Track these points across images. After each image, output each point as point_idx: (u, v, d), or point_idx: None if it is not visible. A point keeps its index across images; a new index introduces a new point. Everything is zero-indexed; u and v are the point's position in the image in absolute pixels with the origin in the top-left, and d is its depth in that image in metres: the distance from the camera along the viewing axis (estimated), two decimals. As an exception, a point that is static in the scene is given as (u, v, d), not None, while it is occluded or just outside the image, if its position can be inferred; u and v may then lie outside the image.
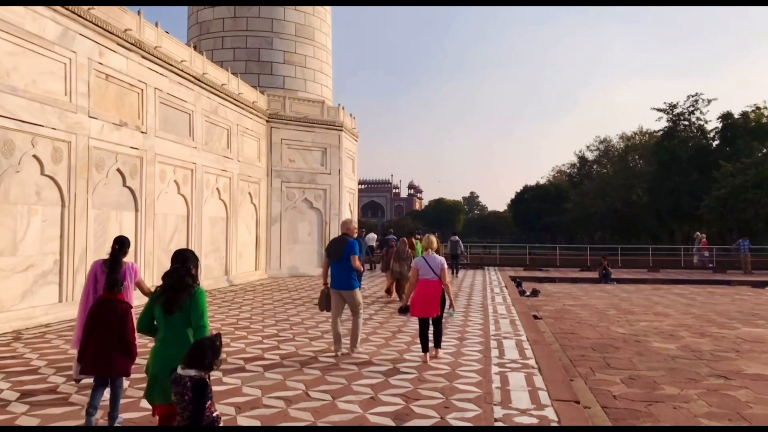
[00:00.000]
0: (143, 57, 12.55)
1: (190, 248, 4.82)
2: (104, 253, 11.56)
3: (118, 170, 11.90)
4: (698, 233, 29.73)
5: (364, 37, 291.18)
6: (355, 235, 8.28)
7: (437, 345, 7.79)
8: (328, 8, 23.06)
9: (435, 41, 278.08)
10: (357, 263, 7.82)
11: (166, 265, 12.28)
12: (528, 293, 17.80)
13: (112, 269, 5.52)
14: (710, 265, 27.86)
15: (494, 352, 8.16)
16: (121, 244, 5.80)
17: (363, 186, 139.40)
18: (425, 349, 7.50)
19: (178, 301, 3.88)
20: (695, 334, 10.95)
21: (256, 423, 5.10)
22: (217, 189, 16.27)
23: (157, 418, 3.98)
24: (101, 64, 11.22)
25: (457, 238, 23.15)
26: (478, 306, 13.14)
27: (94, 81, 11.08)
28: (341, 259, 7.76)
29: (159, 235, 13.39)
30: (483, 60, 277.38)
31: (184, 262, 4.02)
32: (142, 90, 12.62)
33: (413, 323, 10.56)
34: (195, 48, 19.68)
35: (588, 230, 63.47)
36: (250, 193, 18.49)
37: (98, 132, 11.15)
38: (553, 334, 10.93)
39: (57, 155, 10.14)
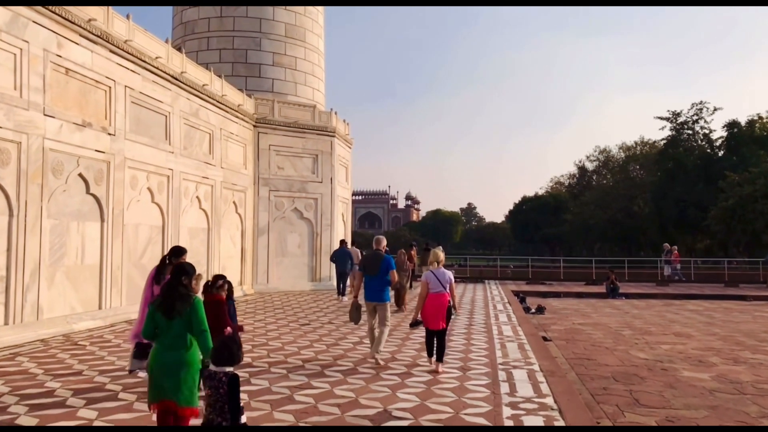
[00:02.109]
0: (111, 51, 11.36)
1: (188, 262, 5.08)
2: (62, 267, 10.38)
3: (81, 175, 10.67)
4: (667, 244, 28.56)
5: (363, 50, 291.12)
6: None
7: (439, 359, 7.75)
8: (321, 8, 21.95)
9: (434, 56, 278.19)
10: (395, 277, 8.39)
11: (137, 281, 10.86)
12: (533, 310, 16.56)
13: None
14: (679, 279, 26.60)
15: (504, 387, 6.92)
16: (176, 254, 6.52)
17: (360, 197, 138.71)
18: (432, 354, 7.80)
19: (176, 307, 4.27)
20: (728, 360, 9.72)
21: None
22: (198, 197, 15.03)
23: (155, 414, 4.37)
24: (60, 56, 10.03)
25: (440, 248, 22.40)
26: (481, 326, 11.90)
27: (52, 75, 9.88)
28: (378, 274, 8.15)
29: (129, 248, 12.13)
30: (481, 73, 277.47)
31: (178, 274, 4.44)
32: (109, 87, 11.42)
33: (410, 339, 9.41)
34: (178, 49, 18.54)
35: (587, 242, 62.25)
36: (234, 203, 17.26)
37: (56, 132, 9.93)
38: (566, 360, 9.69)
39: (3, 157, 8.91)
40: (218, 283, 6.60)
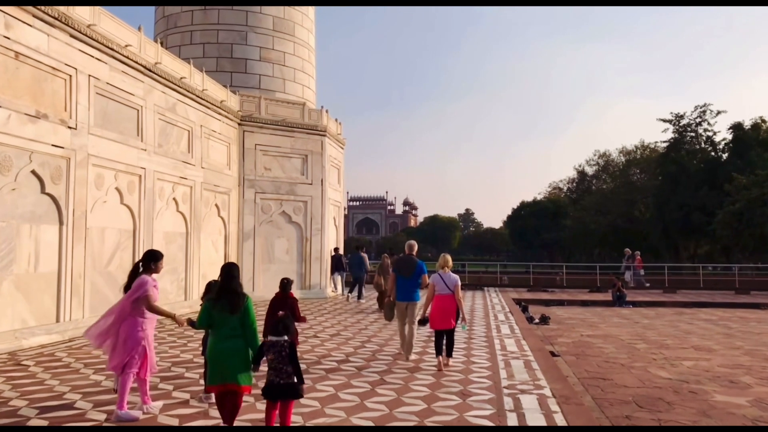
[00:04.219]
0: (72, 36, 10.24)
1: (234, 262, 5.89)
2: (10, 275, 9.23)
3: (34, 173, 9.53)
4: (628, 249, 27.20)
5: (361, 58, 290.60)
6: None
7: (449, 354, 8.38)
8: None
9: (434, 64, 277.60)
10: (426, 280, 8.94)
11: (102, 290, 9.69)
12: (537, 320, 15.46)
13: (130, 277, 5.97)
14: (641, 286, 25.44)
15: (511, 419, 5.80)
16: (154, 260, 6.00)
17: (357, 203, 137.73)
18: (440, 353, 8.22)
19: (238, 304, 4.96)
20: (762, 379, 8.60)
21: None
22: (175, 199, 13.88)
23: (213, 396, 5.35)
24: (8, 38, 8.90)
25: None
26: (482, 339, 10.76)
27: (-2, 59, 8.78)
28: (411, 276, 8.92)
29: (94, 254, 10.99)
30: (480, 80, 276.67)
31: (236, 275, 5.14)
32: (70, 76, 10.30)
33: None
34: (160, 43, 17.47)
35: (587, 247, 61.01)
36: (217, 205, 16.12)
37: (2, 123, 8.79)
38: (579, 380, 8.57)
39: (-65, 150, 7.79)
40: (289, 282, 7.85)
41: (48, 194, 9.84)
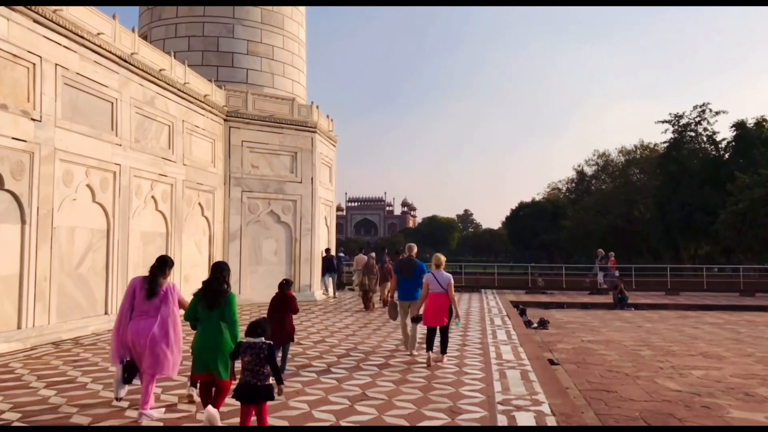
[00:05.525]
0: (35, 21, 9.55)
1: (224, 261, 6.46)
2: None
3: (-8, 168, 8.85)
4: (601, 250, 26.15)
5: (358, 59, 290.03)
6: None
7: (443, 351, 8.66)
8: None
9: (432, 65, 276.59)
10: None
11: (71, 293, 8.92)
12: (535, 324, 14.75)
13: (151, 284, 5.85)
14: (604, 286, 24.26)
15: (505, 443, 5.09)
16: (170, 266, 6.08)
17: (356, 204, 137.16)
18: (430, 348, 8.49)
19: (218, 302, 5.36)
20: (779, 391, 7.90)
21: None
22: (153, 198, 13.17)
23: (198, 384, 5.62)
24: (-40, 21, 8.23)
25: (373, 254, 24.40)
26: (477, 346, 10.05)
27: (-51, 43, 8.08)
28: (412, 277, 9.25)
29: (63, 255, 10.28)
30: (479, 81, 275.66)
31: (221, 272, 5.52)
32: (34, 64, 9.60)
33: (389, 366, 7.60)
34: (145, 37, 16.83)
35: (587, 248, 60.32)
36: (200, 204, 15.40)
37: (-46, 113, 8.11)
38: (580, 392, 7.86)
39: None
40: (287, 283, 7.94)
41: (8, 191, 9.15)
